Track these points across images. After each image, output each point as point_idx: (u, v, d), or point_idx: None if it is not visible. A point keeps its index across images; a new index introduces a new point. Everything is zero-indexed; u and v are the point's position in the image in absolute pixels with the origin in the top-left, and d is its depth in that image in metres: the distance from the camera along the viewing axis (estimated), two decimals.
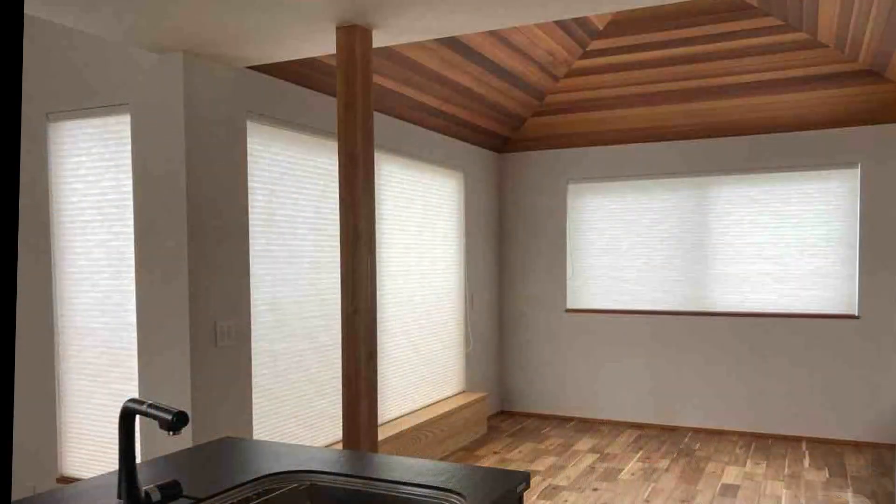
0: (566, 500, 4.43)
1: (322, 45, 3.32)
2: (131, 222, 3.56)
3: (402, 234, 5.29)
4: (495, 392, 6.84)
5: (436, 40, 4.36)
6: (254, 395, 3.86)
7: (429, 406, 5.65)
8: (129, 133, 3.56)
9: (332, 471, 1.89)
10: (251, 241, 3.83)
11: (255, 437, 3.87)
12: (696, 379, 6.18)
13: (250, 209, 3.82)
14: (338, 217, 4.45)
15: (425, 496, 1.76)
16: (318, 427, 4.39)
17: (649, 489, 4.64)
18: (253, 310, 3.84)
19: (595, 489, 4.64)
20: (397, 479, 1.81)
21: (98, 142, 3.65)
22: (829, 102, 5.42)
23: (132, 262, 3.57)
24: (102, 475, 1.86)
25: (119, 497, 1.55)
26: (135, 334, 3.59)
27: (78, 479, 3.78)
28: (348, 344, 3.12)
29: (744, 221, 6.02)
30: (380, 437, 4.71)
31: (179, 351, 3.41)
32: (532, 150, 6.76)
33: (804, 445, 5.68)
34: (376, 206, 4.65)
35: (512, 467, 5.13)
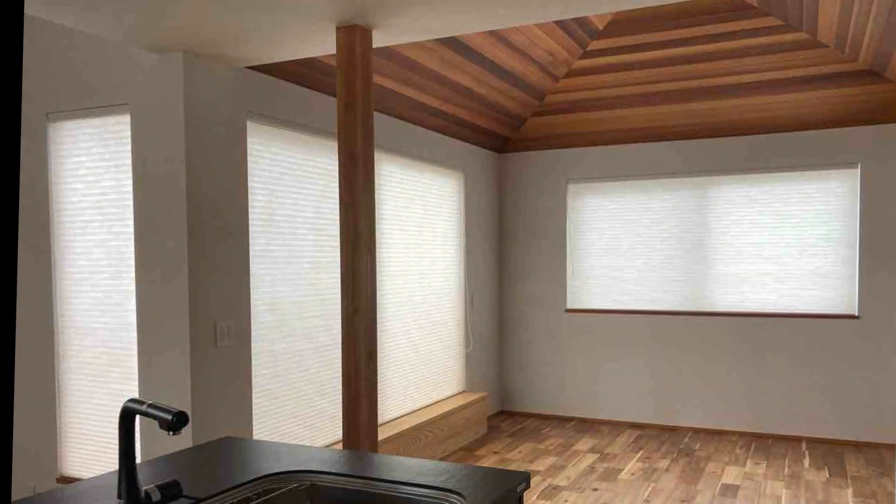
0: (566, 500, 4.43)
1: (322, 45, 3.32)
2: (131, 222, 3.56)
3: (402, 234, 5.29)
4: (495, 392, 6.84)
5: (436, 40, 4.36)
6: (254, 395, 3.86)
7: (429, 406, 5.65)
8: (129, 133, 3.56)
9: (332, 471, 1.89)
10: (251, 241, 3.83)
11: (255, 437, 3.87)
12: (696, 379, 6.18)
13: (250, 209, 3.82)
14: (338, 217, 4.45)
15: (425, 496, 1.76)
16: (318, 427, 4.39)
17: (649, 489, 4.64)
18: (253, 310, 3.84)
19: (595, 489, 4.64)
20: (397, 479, 1.81)
21: (98, 142, 3.65)
22: (828, 102, 5.42)
23: (132, 262, 3.57)
24: (102, 475, 1.86)
25: (119, 497, 1.55)
26: (135, 334, 3.59)
27: (78, 479, 3.78)
28: (348, 344, 3.12)
29: (744, 221, 6.02)
30: (380, 437, 4.71)
31: (179, 351, 3.41)
32: (532, 150, 6.76)
33: (804, 445, 5.68)
34: (376, 206, 4.65)
35: (512, 467, 5.13)
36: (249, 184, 3.81)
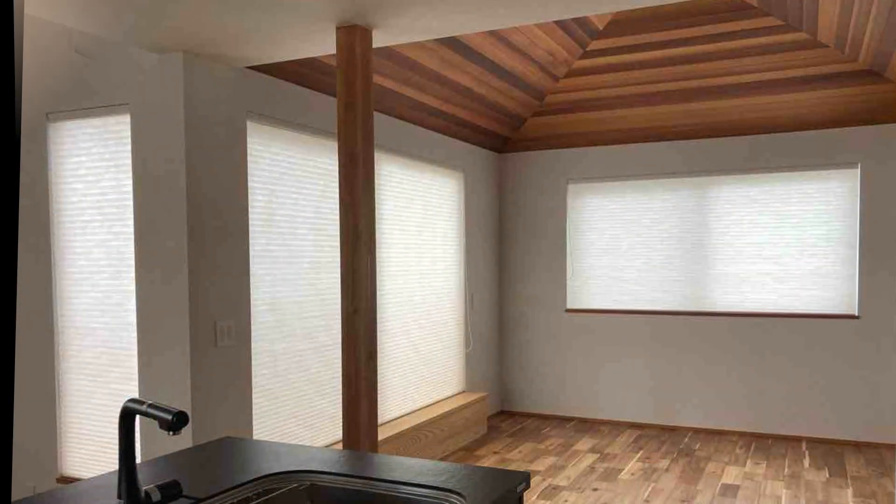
0: (566, 500, 4.43)
1: (322, 45, 3.32)
2: (131, 222, 3.56)
3: (402, 234, 5.29)
4: (495, 392, 6.84)
5: (436, 40, 4.36)
6: (254, 395, 3.86)
7: (429, 406, 5.65)
8: (129, 133, 3.56)
9: (332, 471, 1.89)
10: (251, 241, 3.83)
11: (255, 437, 3.87)
12: (696, 379, 6.18)
13: (250, 209, 3.82)
14: (338, 217, 4.45)
15: (425, 496, 1.76)
16: (318, 427, 4.39)
17: (649, 489, 4.64)
18: (253, 310, 3.84)
19: (595, 489, 4.64)
20: (397, 479, 1.81)
21: (98, 142, 3.65)
22: (828, 102, 5.42)
23: (132, 262, 3.57)
24: (102, 475, 1.86)
25: (119, 497, 1.55)
26: (135, 334, 3.59)
27: (78, 479, 3.78)
28: (348, 344, 3.12)
29: (744, 221, 6.02)
30: (380, 437, 4.71)
31: (179, 351, 3.41)
32: (532, 150, 6.76)
33: (804, 445, 5.68)
34: (376, 206, 4.65)
35: (512, 467, 5.13)
36: (249, 184, 3.81)
